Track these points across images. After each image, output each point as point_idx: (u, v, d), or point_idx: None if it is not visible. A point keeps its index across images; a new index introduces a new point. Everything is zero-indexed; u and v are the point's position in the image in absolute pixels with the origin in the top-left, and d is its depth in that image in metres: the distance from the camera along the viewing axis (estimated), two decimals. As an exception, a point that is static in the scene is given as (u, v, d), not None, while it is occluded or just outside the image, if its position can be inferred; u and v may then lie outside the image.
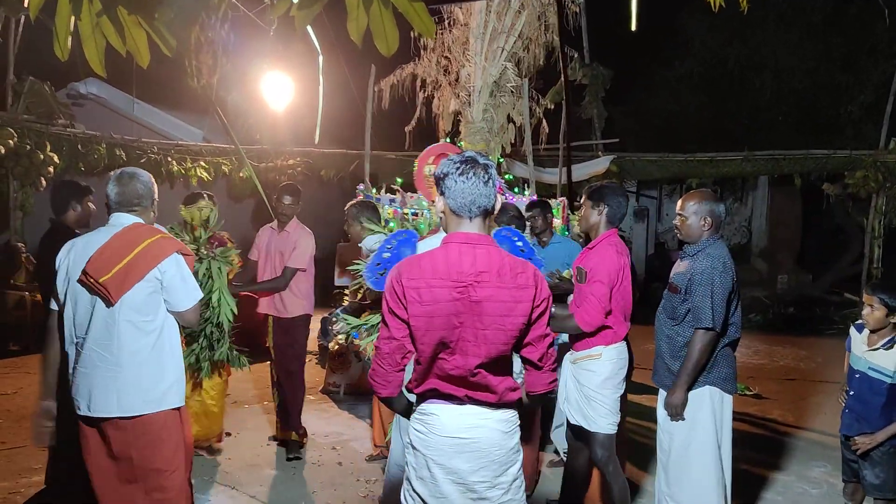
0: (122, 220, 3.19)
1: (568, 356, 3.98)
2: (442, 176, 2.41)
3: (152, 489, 3.13)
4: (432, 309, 2.32)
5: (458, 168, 2.38)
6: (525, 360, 2.45)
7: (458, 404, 2.42)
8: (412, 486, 2.49)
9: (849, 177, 12.32)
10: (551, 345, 2.44)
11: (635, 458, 5.14)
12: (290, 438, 5.52)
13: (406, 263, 2.41)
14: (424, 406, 2.48)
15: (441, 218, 2.50)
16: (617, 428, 3.86)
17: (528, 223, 5.29)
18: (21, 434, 5.83)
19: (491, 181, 2.40)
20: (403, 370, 2.44)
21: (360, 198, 6.53)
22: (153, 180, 3.35)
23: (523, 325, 2.35)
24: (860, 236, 13.28)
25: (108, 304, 3.02)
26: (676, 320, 3.73)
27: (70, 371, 3.16)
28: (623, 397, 3.99)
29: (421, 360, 2.42)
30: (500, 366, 2.39)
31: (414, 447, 2.49)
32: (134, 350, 3.08)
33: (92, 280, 2.99)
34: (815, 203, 16.09)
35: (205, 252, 4.80)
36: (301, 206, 5.58)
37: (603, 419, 3.81)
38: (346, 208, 5.29)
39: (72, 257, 3.13)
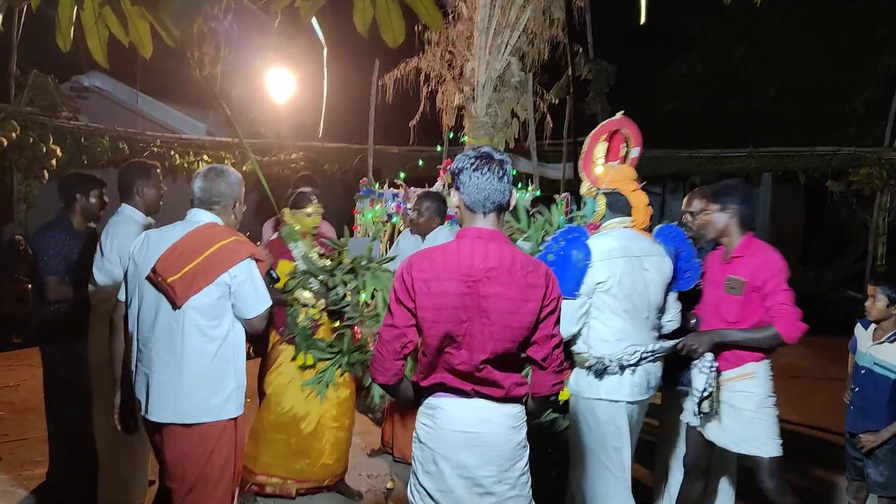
0: (199, 216, 3.09)
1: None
2: (457, 171, 2.41)
3: (199, 498, 3.05)
4: (440, 302, 2.32)
5: (472, 163, 2.38)
6: (529, 360, 2.44)
7: (465, 398, 2.41)
8: (419, 480, 2.50)
9: (853, 174, 12.30)
10: (557, 346, 2.42)
11: (643, 459, 5.02)
12: None
13: (418, 255, 2.42)
14: (431, 400, 2.48)
15: (456, 212, 2.50)
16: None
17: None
18: (24, 426, 5.83)
19: (506, 177, 2.39)
20: (403, 359, 2.43)
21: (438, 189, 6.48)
22: (242, 182, 3.26)
23: (531, 323, 2.34)
24: (864, 233, 13.26)
25: (174, 305, 2.91)
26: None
27: (132, 368, 3.08)
28: None
29: (427, 353, 2.42)
30: (506, 362, 2.39)
31: (420, 441, 2.50)
32: (197, 355, 2.96)
33: (160, 279, 2.89)
34: (819, 200, 16.04)
35: (363, 266, 4.39)
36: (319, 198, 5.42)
37: (772, 441, 3.46)
38: (418, 196, 5.26)
39: (143, 252, 3.02)
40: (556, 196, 6.69)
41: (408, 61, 8.97)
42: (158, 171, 4.12)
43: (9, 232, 10.38)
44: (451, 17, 8.55)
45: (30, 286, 9.41)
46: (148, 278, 2.94)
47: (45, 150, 9.73)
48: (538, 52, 8.62)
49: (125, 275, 3.12)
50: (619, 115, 3.52)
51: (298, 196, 4.67)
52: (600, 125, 3.52)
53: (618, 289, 3.17)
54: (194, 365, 2.95)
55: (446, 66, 8.74)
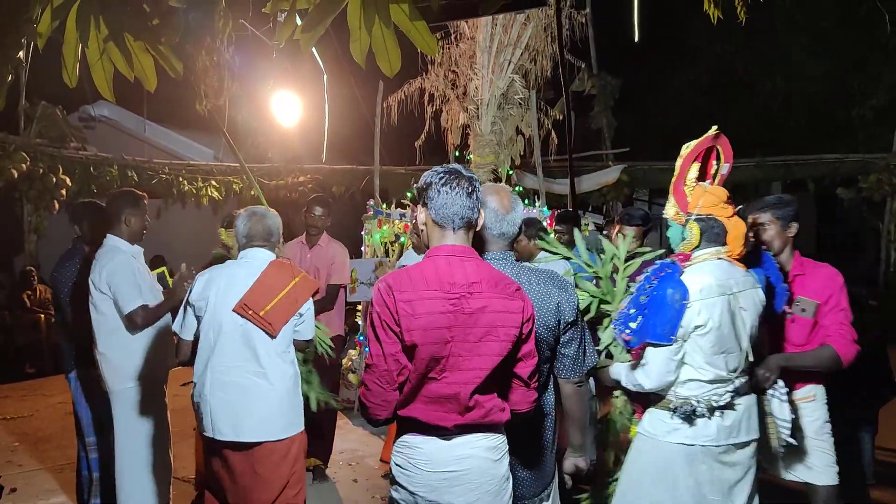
0: (262, 254, 3.38)
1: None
2: (424, 187, 2.34)
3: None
4: (426, 322, 2.20)
5: (441, 178, 2.31)
6: (514, 377, 2.33)
7: (443, 438, 2.29)
8: None
9: (862, 180, 12.24)
10: (537, 362, 2.35)
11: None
12: (316, 465, 5.16)
13: (394, 276, 2.30)
14: (406, 438, 2.33)
15: (422, 231, 2.41)
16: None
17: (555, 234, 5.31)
18: (39, 456, 5.83)
19: (475, 194, 2.32)
20: (399, 389, 2.27)
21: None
22: (280, 220, 3.55)
23: (515, 336, 2.25)
24: (876, 240, 13.19)
25: (271, 335, 3.25)
26: None
27: (203, 396, 3.27)
28: None
29: (410, 378, 2.27)
30: (490, 384, 2.29)
31: (398, 483, 2.35)
32: (283, 376, 3.33)
33: (251, 312, 3.21)
34: (830, 208, 15.97)
35: None
36: (331, 219, 5.39)
37: (830, 469, 3.25)
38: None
39: (213, 290, 3.25)
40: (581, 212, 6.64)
41: (411, 82, 9.03)
42: (146, 201, 4.05)
43: (20, 263, 10.46)
44: (453, 36, 8.62)
45: (41, 316, 9.50)
46: (237, 311, 3.21)
47: (54, 180, 9.83)
48: (541, 69, 8.67)
49: (194, 314, 3.31)
50: (712, 130, 3.10)
51: (232, 217, 4.68)
52: (695, 144, 3.09)
53: (716, 332, 2.78)
54: (283, 385, 3.31)
55: (450, 85, 8.80)
